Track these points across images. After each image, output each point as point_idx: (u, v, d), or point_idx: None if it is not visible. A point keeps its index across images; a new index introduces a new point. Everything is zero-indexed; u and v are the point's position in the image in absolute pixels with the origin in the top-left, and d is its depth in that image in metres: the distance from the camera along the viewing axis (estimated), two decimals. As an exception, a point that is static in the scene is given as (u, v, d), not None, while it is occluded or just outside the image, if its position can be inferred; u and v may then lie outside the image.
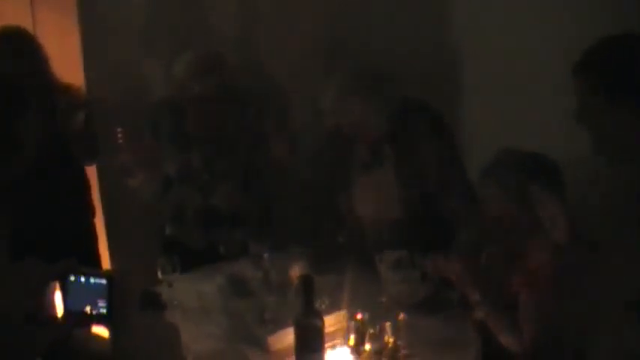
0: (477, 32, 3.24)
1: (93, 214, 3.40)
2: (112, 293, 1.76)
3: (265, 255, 2.73)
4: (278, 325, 2.34)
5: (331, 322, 2.29)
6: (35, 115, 2.97)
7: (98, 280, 1.77)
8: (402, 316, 2.25)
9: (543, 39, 2.86)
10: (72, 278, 1.79)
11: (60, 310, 1.88)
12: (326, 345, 2.13)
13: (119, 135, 3.41)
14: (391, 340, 2.24)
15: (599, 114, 1.77)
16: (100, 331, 2.08)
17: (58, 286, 1.82)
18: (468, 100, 3.39)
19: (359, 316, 2.26)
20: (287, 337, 2.25)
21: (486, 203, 2.23)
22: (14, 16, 3.22)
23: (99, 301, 1.76)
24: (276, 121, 3.19)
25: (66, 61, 3.15)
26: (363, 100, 2.78)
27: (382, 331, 2.25)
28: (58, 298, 1.92)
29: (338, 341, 2.27)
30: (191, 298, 2.64)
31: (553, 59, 2.98)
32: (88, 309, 1.77)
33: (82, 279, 1.78)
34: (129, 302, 1.86)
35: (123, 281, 1.82)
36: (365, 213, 2.93)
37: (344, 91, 2.81)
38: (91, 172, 3.48)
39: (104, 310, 1.76)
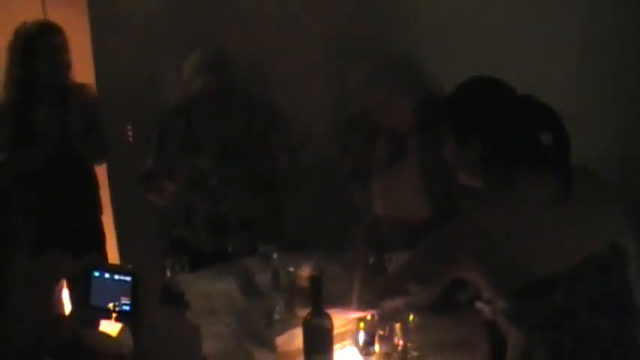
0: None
1: (101, 212, 3.40)
2: (136, 290, 1.75)
3: (274, 255, 2.71)
4: (286, 326, 2.32)
5: (340, 322, 2.27)
6: (53, 110, 3.00)
7: (123, 277, 1.76)
8: (412, 317, 2.23)
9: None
10: (96, 274, 1.78)
11: (67, 308, 1.87)
12: (335, 346, 2.12)
13: (129, 133, 3.45)
14: (401, 341, 2.22)
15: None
16: (109, 329, 2.09)
17: (64, 283, 1.81)
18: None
19: (368, 317, 2.25)
20: (295, 338, 2.23)
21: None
22: (25, 14, 3.23)
23: (122, 297, 1.76)
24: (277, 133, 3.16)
25: (76, 58, 3.15)
26: (392, 80, 2.74)
27: (392, 333, 2.23)
28: (65, 295, 1.92)
29: (347, 342, 2.25)
30: (199, 298, 2.62)
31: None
32: (111, 305, 1.76)
33: (107, 275, 1.77)
34: (152, 300, 1.85)
35: (146, 279, 1.81)
36: (384, 210, 2.91)
37: (374, 69, 2.79)
38: (101, 171, 3.49)
39: (127, 307, 1.75)
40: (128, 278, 1.75)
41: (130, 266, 1.82)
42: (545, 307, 1.77)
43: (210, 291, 2.69)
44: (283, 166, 3.16)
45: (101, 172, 3.49)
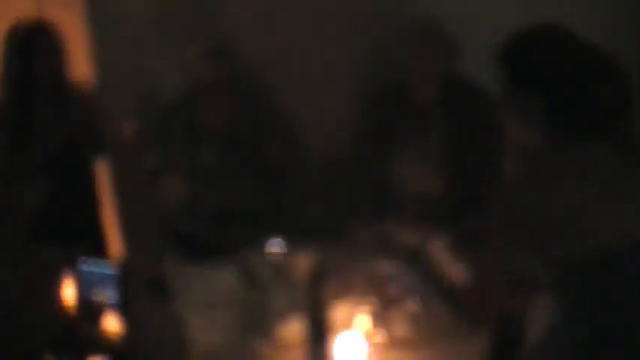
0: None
1: (102, 208, 3.39)
2: (123, 283, 1.75)
3: (277, 246, 2.70)
4: (287, 318, 2.32)
5: (343, 310, 2.26)
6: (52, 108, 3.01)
7: (110, 270, 1.76)
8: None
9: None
10: (84, 267, 1.78)
11: (70, 301, 1.88)
12: (339, 334, 2.11)
13: (130, 127, 3.43)
14: (403, 328, 2.21)
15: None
16: (109, 323, 2.09)
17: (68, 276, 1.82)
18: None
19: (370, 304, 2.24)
20: (296, 330, 2.23)
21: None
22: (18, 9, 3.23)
23: (110, 290, 1.76)
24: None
25: (72, 56, 3.14)
26: (424, 42, 2.85)
27: (394, 319, 2.22)
28: (68, 288, 1.92)
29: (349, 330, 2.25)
30: (200, 289, 2.62)
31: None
32: (99, 298, 1.76)
33: (94, 268, 1.77)
34: (140, 292, 1.86)
35: (135, 271, 1.82)
36: (404, 184, 2.93)
37: (408, 31, 2.91)
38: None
39: (115, 300, 1.75)
40: (116, 271, 1.75)
41: (117, 259, 1.82)
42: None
43: (211, 282, 2.69)
44: (286, 156, 3.14)
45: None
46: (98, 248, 3.13)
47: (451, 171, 2.88)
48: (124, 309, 1.79)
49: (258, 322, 2.39)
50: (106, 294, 1.79)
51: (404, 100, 2.93)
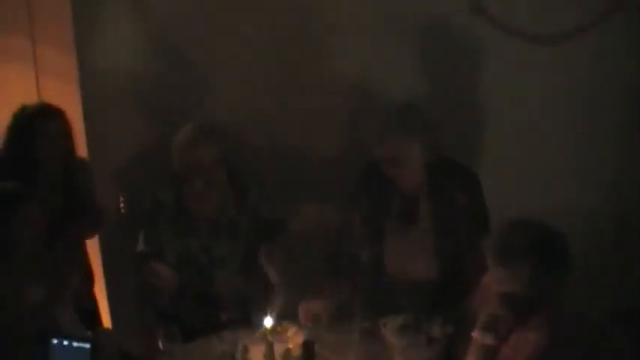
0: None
1: (93, 283, 3.40)
2: (95, 358, 1.77)
3: (268, 324, 2.70)
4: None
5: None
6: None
7: (82, 344, 1.78)
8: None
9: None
10: (55, 341, 1.79)
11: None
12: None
13: (121, 204, 3.46)
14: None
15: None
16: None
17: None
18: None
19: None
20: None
21: (496, 282, 2.23)
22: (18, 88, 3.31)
23: None
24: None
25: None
26: (408, 133, 2.81)
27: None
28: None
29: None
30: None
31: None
32: None
33: (65, 342, 1.79)
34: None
35: (107, 346, 1.83)
36: (393, 270, 2.94)
37: (391, 122, 2.87)
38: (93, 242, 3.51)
39: None
40: (87, 345, 1.76)
41: (90, 332, 1.84)
42: None
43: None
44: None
45: (93, 243, 3.51)
46: (89, 319, 3.13)
47: (440, 256, 2.91)
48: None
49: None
50: None
51: (390, 187, 2.92)
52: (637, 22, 3.33)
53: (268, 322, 2.67)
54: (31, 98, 3.38)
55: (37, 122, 3.07)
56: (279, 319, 2.75)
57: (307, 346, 2.47)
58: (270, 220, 3.10)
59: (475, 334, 2.29)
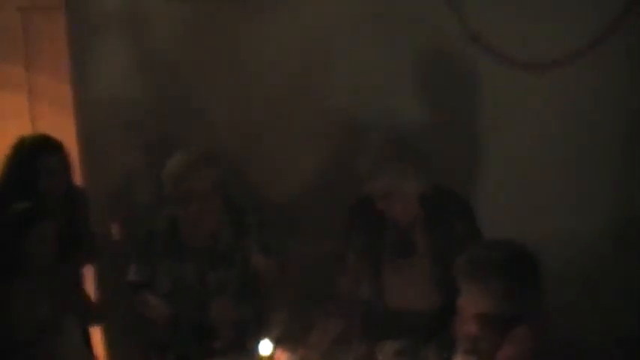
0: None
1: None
2: None
3: (263, 348, 2.67)
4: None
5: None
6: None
7: None
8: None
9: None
10: None
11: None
12: None
13: (114, 231, 3.45)
14: None
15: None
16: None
17: None
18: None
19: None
20: None
21: (469, 303, 2.23)
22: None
23: None
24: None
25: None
26: (399, 166, 2.78)
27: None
28: None
29: None
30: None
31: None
32: None
33: None
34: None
35: None
36: (391, 301, 2.90)
37: (381, 155, 2.83)
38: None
39: None
40: None
41: None
42: None
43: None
44: (269, 271, 3.11)
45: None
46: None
47: (438, 285, 2.88)
48: None
49: None
50: None
51: (382, 220, 2.87)
52: (636, 44, 3.33)
53: (263, 348, 2.64)
54: (24, 126, 3.38)
55: (41, 159, 3.06)
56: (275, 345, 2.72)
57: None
58: (267, 246, 3.08)
59: (457, 359, 2.27)
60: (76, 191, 3.23)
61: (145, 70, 3.55)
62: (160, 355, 2.72)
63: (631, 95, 3.38)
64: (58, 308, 2.80)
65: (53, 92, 3.59)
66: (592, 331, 3.20)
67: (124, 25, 3.53)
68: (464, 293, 2.22)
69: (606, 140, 3.46)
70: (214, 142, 3.48)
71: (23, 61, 3.57)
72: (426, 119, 3.50)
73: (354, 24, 3.45)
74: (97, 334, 3.52)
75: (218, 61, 3.51)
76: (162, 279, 3.01)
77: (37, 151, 3.06)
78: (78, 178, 3.42)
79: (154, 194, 3.41)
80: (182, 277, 3.01)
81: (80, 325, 2.97)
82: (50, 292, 2.81)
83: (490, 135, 3.52)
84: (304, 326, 2.88)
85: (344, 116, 3.52)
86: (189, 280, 3.01)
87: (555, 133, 3.46)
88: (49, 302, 2.79)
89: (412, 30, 3.42)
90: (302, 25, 3.46)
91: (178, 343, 3.01)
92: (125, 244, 3.50)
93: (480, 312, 2.17)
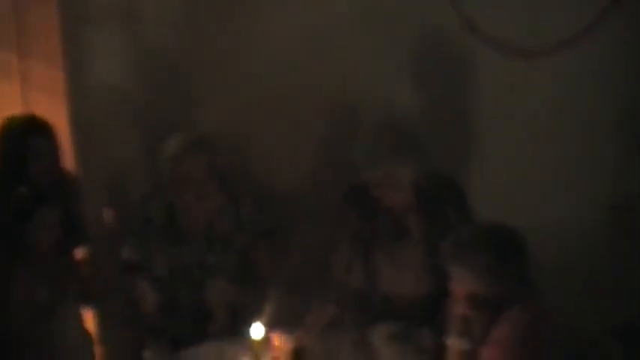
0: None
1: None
2: None
3: (256, 331, 2.66)
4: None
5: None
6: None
7: None
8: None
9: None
10: None
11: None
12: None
13: (106, 215, 3.42)
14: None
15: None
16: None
17: None
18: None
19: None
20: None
21: (458, 284, 2.25)
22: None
23: None
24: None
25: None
26: (396, 154, 2.79)
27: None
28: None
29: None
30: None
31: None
32: None
33: None
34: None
35: None
36: (385, 286, 2.91)
37: (379, 143, 2.87)
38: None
39: None
40: None
41: None
42: None
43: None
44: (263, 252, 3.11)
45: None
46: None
47: (432, 270, 2.87)
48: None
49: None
50: None
51: (376, 206, 2.88)
52: (627, 31, 3.34)
53: (255, 331, 2.62)
54: (17, 112, 3.35)
55: (30, 140, 3.01)
56: (268, 328, 2.71)
57: (298, 354, 2.44)
58: (264, 231, 3.07)
59: (449, 341, 2.28)
60: (68, 177, 3.21)
61: (139, 57, 3.54)
62: (154, 339, 2.71)
63: (625, 83, 3.40)
64: (57, 294, 2.80)
65: (46, 80, 3.54)
66: (590, 319, 3.21)
67: (117, 12, 3.51)
68: (453, 275, 2.26)
69: (601, 128, 3.47)
70: (211, 129, 3.48)
71: (16, 49, 3.53)
72: (423, 108, 3.51)
73: (352, 14, 3.46)
74: (90, 319, 3.49)
75: (214, 48, 3.51)
76: (159, 261, 3.00)
77: (27, 132, 3.02)
78: (71, 165, 3.39)
79: (148, 181, 3.42)
80: (179, 260, 3.00)
81: (79, 310, 2.96)
82: (50, 277, 2.81)
83: (486, 123, 3.53)
84: (299, 311, 2.88)
85: (342, 104, 3.54)
86: (187, 262, 3.01)
87: (551, 121, 3.47)
88: (49, 288, 2.79)
89: (409, 19, 3.44)
90: (300, 13, 3.45)
91: (173, 327, 3.00)
92: (119, 230, 3.48)
93: (469, 292, 2.21)
